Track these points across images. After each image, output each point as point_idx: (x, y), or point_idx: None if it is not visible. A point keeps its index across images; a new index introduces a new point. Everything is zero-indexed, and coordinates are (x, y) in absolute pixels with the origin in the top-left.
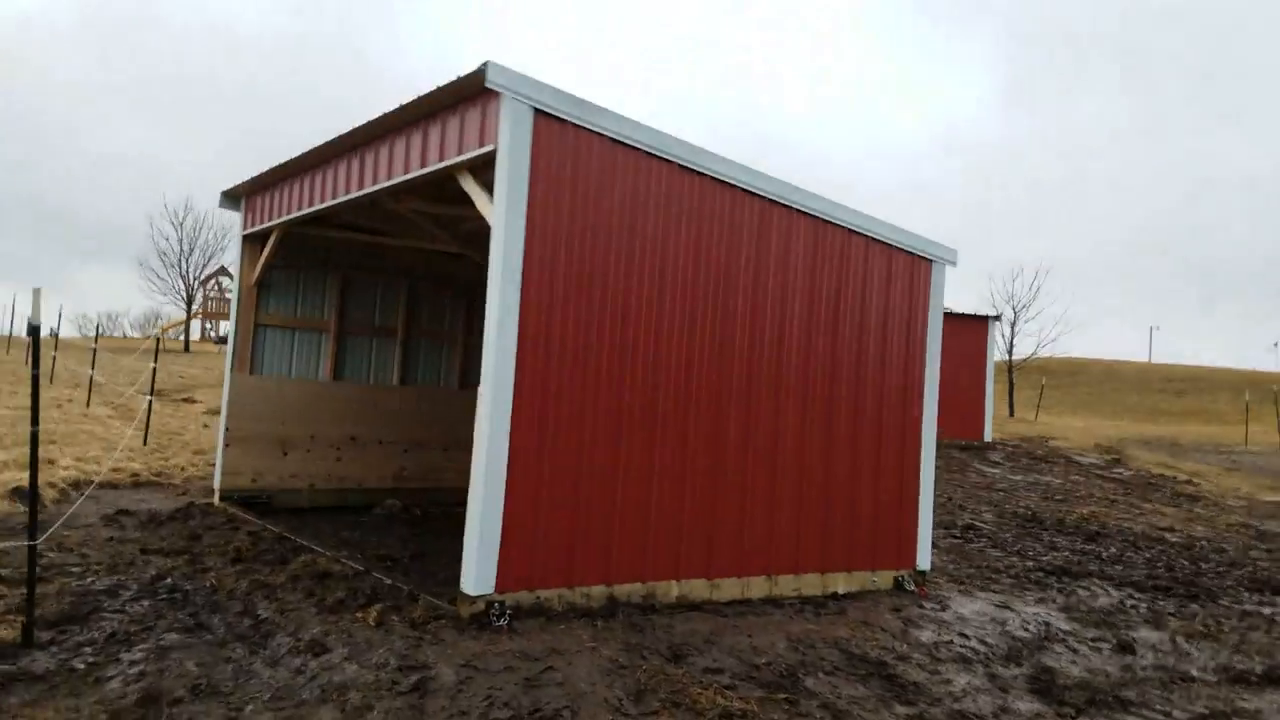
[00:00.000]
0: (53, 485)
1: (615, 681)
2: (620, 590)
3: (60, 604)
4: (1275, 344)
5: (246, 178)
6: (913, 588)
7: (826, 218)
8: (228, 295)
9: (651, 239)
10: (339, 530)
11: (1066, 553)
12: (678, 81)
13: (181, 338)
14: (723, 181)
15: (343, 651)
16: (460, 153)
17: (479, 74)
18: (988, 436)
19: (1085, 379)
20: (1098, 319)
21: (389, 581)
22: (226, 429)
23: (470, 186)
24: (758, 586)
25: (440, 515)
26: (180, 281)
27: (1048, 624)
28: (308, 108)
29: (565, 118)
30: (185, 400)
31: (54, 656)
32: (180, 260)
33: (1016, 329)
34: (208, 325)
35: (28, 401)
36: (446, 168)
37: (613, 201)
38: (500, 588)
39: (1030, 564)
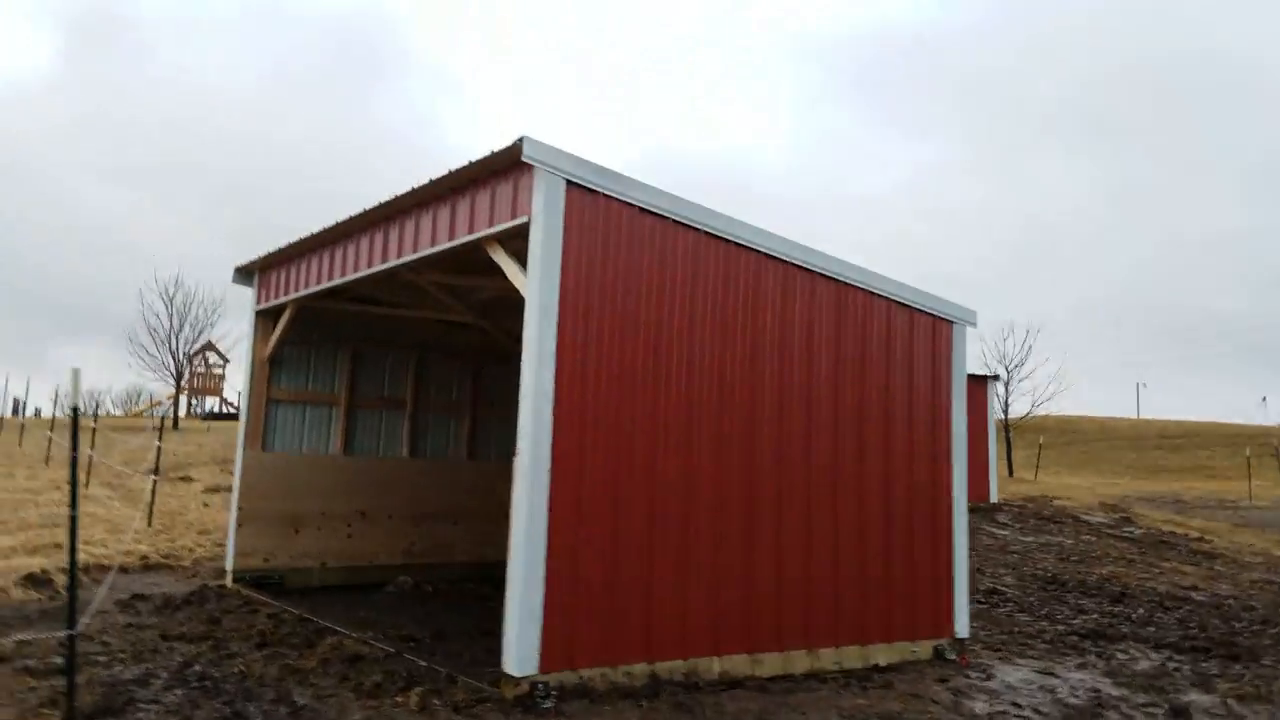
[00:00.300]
0: (63, 571)
1: None
2: (662, 668)
3: (93, 695)
4: (1264, 399)
5: (261, 253)
6: (954, 656)
7: (849, 281)
8: (215, 370)
9: (679, 308)
10: (355, 610)
11: (1096, 615)
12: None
13: (169, 415)
14: (746, 247)
15: None
16: (491, 225)
17: (515, 148)
18: (993, 498)
19: (1080, 437)
20: (1082, 377)
21: (424, 664)
22: (239, 508)
23: (501, 258)
24: (799, 661)
25: (452, 591)
26: (170, 358)
27: (1096, 690)
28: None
29: (595, 188)
30: (182, 479)
31: None
32: (170, 336)
33: (1011, 388)
34: (194, 401)
35: (26, 483)
36: (476, 240)
37: (641, 270)
38: (544, 668)
39: (1061, 628)
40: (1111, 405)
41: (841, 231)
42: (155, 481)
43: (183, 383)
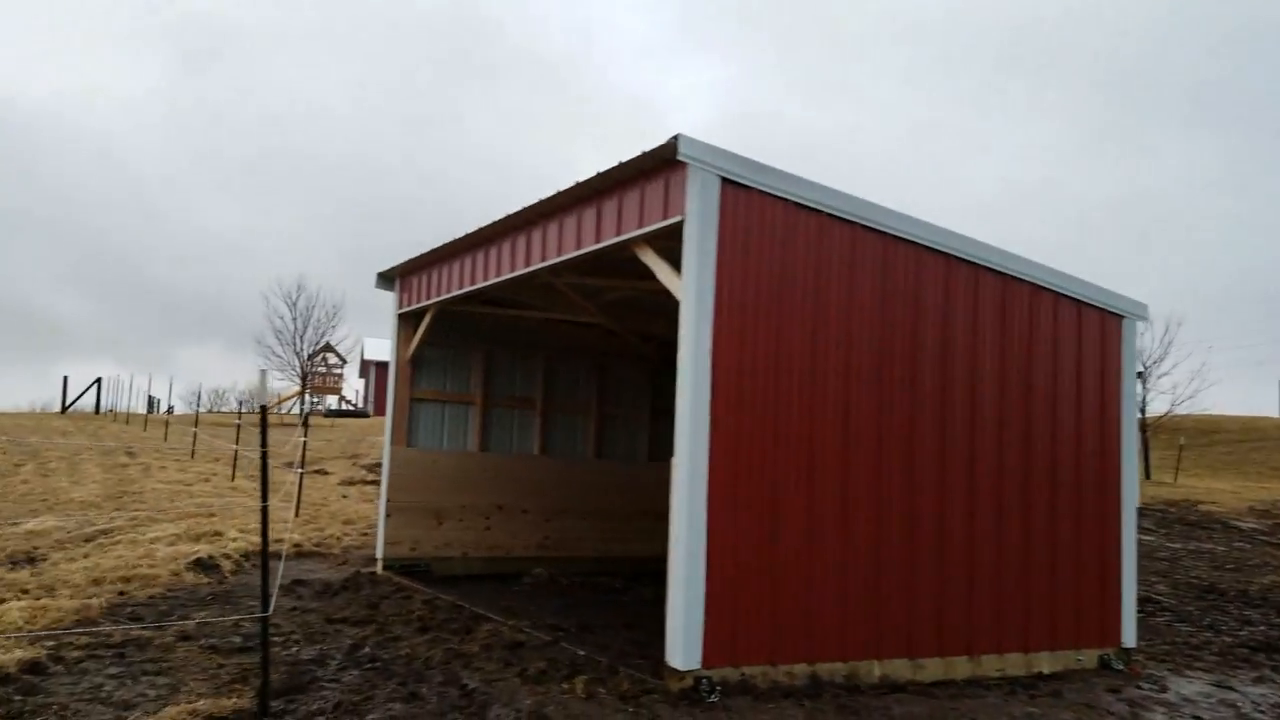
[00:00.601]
0: (228, 557)
1: None
2: (822, 669)
3: (278, 674)
4: None
5: (401, 259)
6: (1121, 666)
7: (1013, 273)
8: (335, 371)
9: (836, 304)
10: (499, 599)
11: (1263, 627)
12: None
13: (311, 409)
14: (904, 239)
15: None
16: (641, 226)
17: (669, 146)
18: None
19: (1222, 438)
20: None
21: (582, 653)
22: (388, 500)
23: (651, 259)
24: (961, 667)
25: (584, 584)
26: (295, 358)
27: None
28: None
29: (749, 184)
30: (318, 472)
31: None
32: (295, 338)
33: (1149, 386)
34: (315, 399)
35: (178, 475)
36: (623, 241)
37: (796, 266)
38: (706, 663)
39: (1228, 639)
40: (1252, 404)
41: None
42: (301, 475)
43: (308, 382)
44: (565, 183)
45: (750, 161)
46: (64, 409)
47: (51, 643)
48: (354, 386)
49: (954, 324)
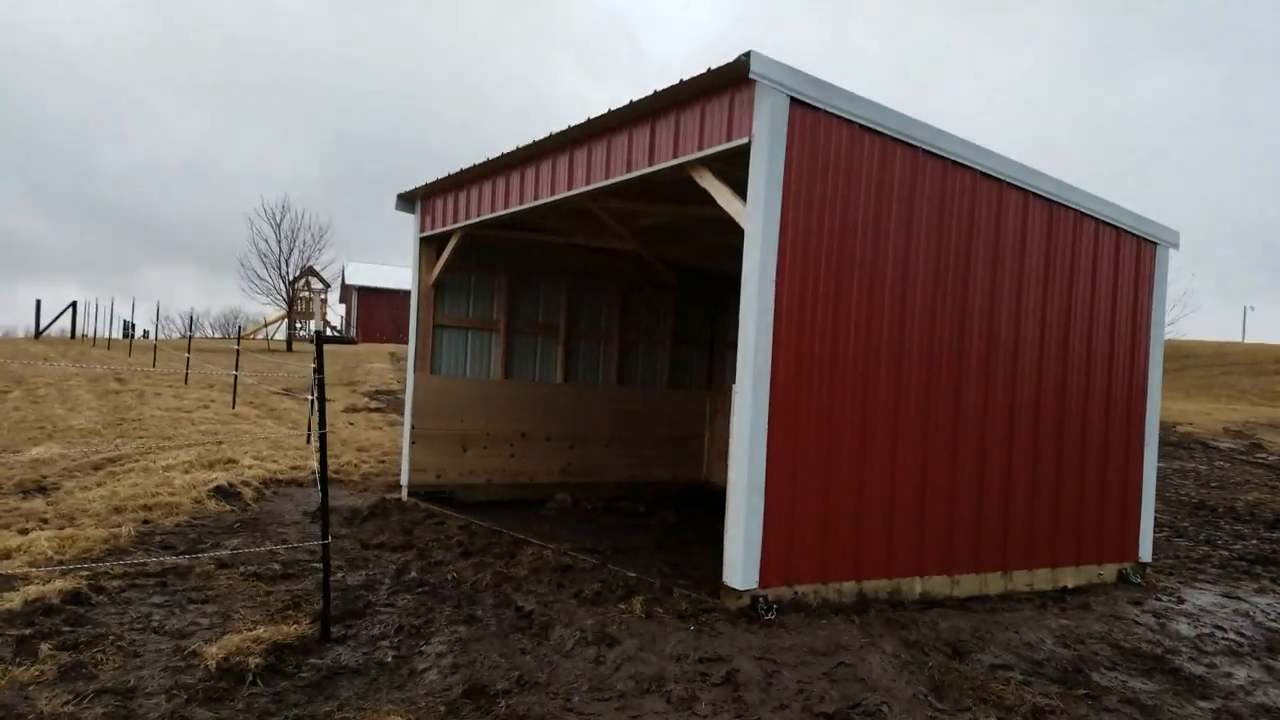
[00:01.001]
0: (247, 484)
1: (910, 677)
2: (869, 586)
3: (334, 601)
4: None
5: (424, 181)
6: (1139, 580)
7: (1058, 199)
8: (320, 296)
9: (895, 232)
10: (529, 524)
11: (1255, 541)
12: None
13: (280, 336)
14: (961, 164)
15: (633, 643)
16: (700, 148)
17: (739, 64)
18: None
19: (1194, 362)
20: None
21: (632, 574)
22: (413, 427)
23: (709, 182)
24: (994, 583)
25: (608, 509)
26: (281, 282)
27: None
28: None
29: (816, 104)
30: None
31: (355, 651)
32: (280, 261)
33: None
34: (298, 325)
35: (175, 402)
36: (679, 164)
37: (859, 191)
38: (763, 583)
39: (1225, 553)
40: (1218, 329)
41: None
42: (313, 402)
43: (304, 307)
44: (559, 103)
45: (819, 81)
46: (38, 334)
47: (86, 572)
48: (338, 313)
49: (1004, 252)
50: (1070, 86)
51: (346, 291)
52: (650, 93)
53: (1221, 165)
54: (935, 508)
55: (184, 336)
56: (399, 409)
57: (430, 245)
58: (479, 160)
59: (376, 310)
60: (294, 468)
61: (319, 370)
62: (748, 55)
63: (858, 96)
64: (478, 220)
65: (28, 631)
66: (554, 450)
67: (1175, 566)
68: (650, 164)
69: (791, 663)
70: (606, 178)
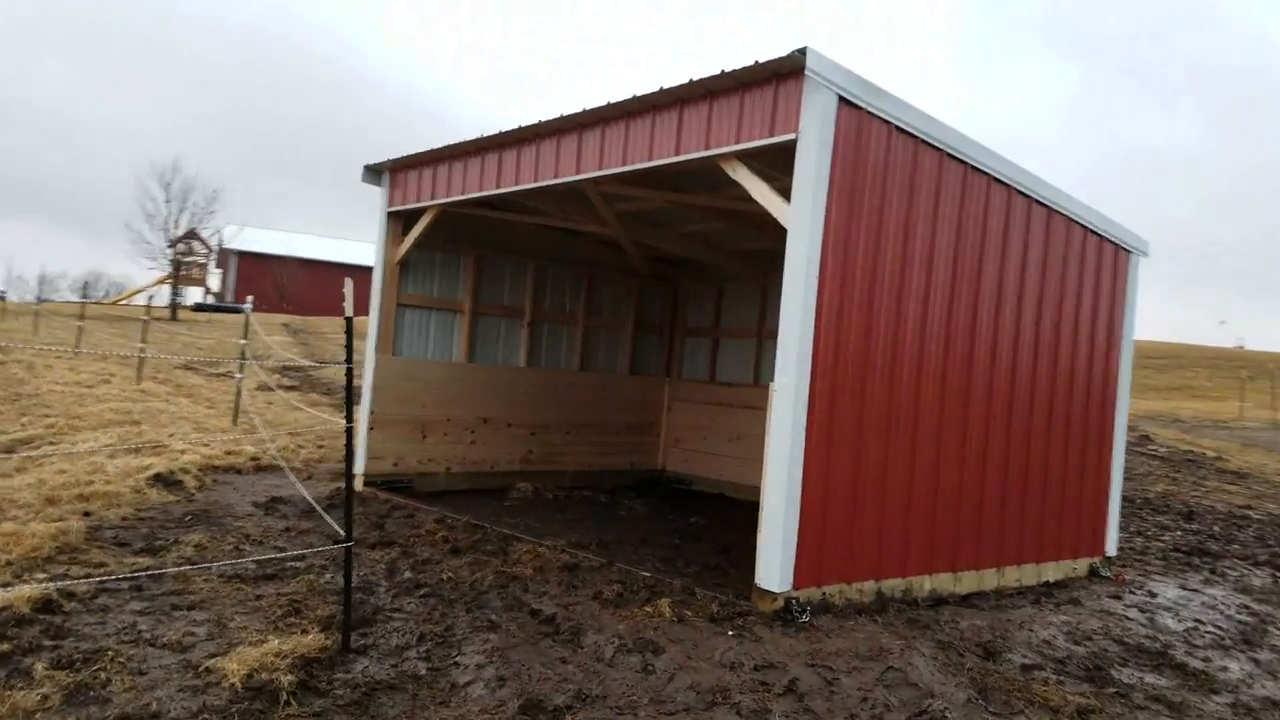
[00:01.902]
0: (186, 471)
1: (955, 680)
2: (886, 585)
3: (328, 606)
4: (1221, 322)
5: (392, 154)
6: (1109, 574)
7: (1054, 205)
8: (200, 261)
9: (921, 234)
10: (500, 516)
11: (1179, 533)
12: None
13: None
14: (978, 169)
15: (678, 650)
16: (738, 141)
17: (793, 58)
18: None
19: None
20: None
21: (647, 574)
22: (371, 412)
23: (744, 176)
24: (989, 579)
25: (572, 499)
26: (169, 246)
27: (1246, 607)
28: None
29: (860, 104)
30: (222, 375)
31: (382, 663)
32: (168, 223)
33: None
34: (177, 291)
35: (72, 375)
36: (711, 156)
37: (893, 194)
38: (796, 584)
39: (1159, 544)
40: None
41: None
42: (240, 380)
43: (182, 271)
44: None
45: (865, 81)
46: None
47: (42, 575)
48: (214, 278)
49: (1010, 257)
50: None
51: (224, 256)
52: (686, 80)
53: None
54: (944, 508)
55: (37, 300)
56: (315, 387)
57: (397, 220)
58: (463, 139)
59: (258, 277)
60: (229, 453)
61: (349, 360)
62: (803, 51)
63: (894, 97)
64: (462, 198)
65: (6, 648)
66: (515, 437)
67: (1124, 559)
68: (677, 153)
69: (844, 669)
70: (624, 163)
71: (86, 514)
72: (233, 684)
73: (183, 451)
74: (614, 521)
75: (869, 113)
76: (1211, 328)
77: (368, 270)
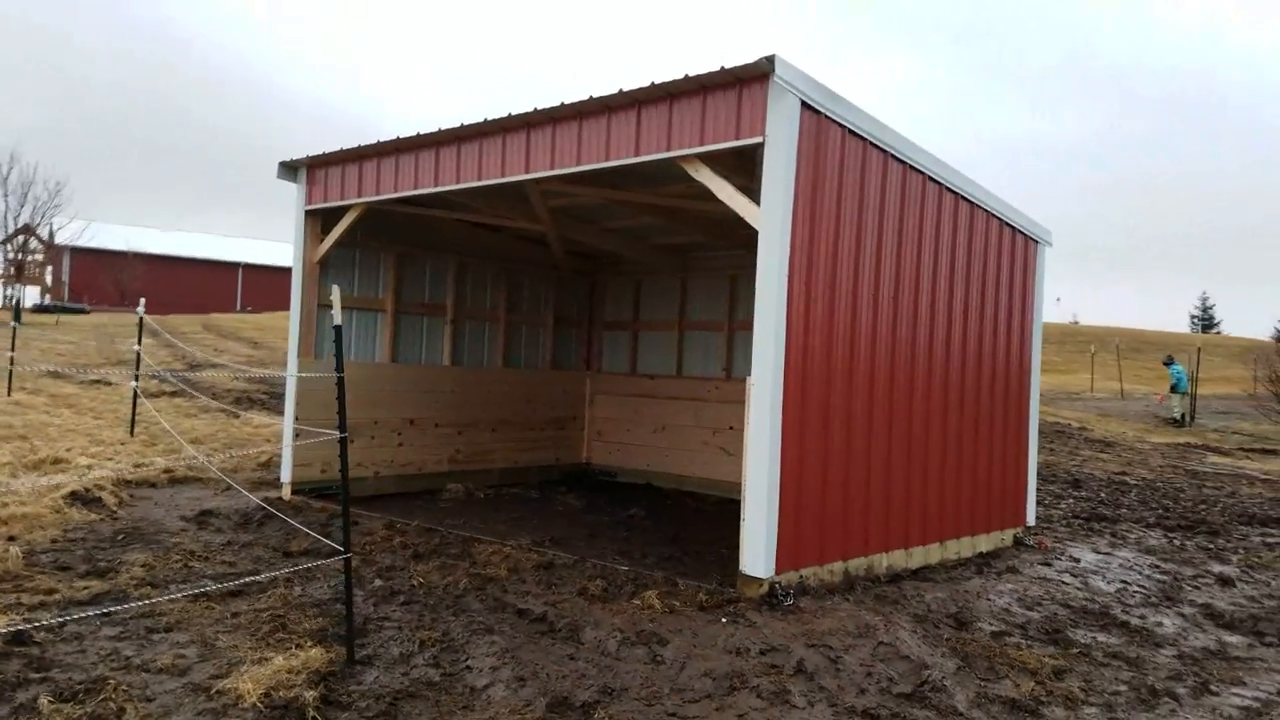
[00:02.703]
0: (100, 488)
1: (939, 650)
2: (851, 565)
3: (314, 618)
4: (1058, 299)
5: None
6: (1031, 543)
7: (976, 201)
8: (35, 256)
9: (871, 233)
10: (441, 517)
11: (1071, 500)
12: None
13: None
14: (916, 169)
15: (682, 640)
16: (702, 143)
17: (760, 64)
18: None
19: None
20: None
21: (625, 568)
22: (296, 418)
23: (706, 176)
24: (934, 553)
25: (505, 497)
26: (2, 243)
27: (1157, 566)
28: None
29: (820, 109)
30: (100, 382)
31: (391, 673)
32: (6, 218)
33: None
34: (9, 291)
35: None
36: (672, 158)
37: (845, 193)
38: (778, 570)
39: (1058, 513)
40: None
41: None
42: (136, 390)
43: (26, 271)
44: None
45: (824, 87)
46: None
47: None
48: (61, 279)
49: (941, 250)
50: None
51: (55, 253)
52: (649, 83)
53: None
54: (897, 489)
55: None
56: (201, 392)
57: (316, 219)
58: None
59: (94, 274)
60: (138, 466)
61: (340, 369)
62: (771, 59)
63: (849, 103)
64: (395, 195)
65: None
66: (442, 437)
67: (1037, 527)
68: (636, 154)
69: (841, 647)
70: (578, 163)
71: (11, 538)
72: (252, 704)
73: (89, 467)
74: (555, 518)
75: (827, 117)
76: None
77: (224, 266)
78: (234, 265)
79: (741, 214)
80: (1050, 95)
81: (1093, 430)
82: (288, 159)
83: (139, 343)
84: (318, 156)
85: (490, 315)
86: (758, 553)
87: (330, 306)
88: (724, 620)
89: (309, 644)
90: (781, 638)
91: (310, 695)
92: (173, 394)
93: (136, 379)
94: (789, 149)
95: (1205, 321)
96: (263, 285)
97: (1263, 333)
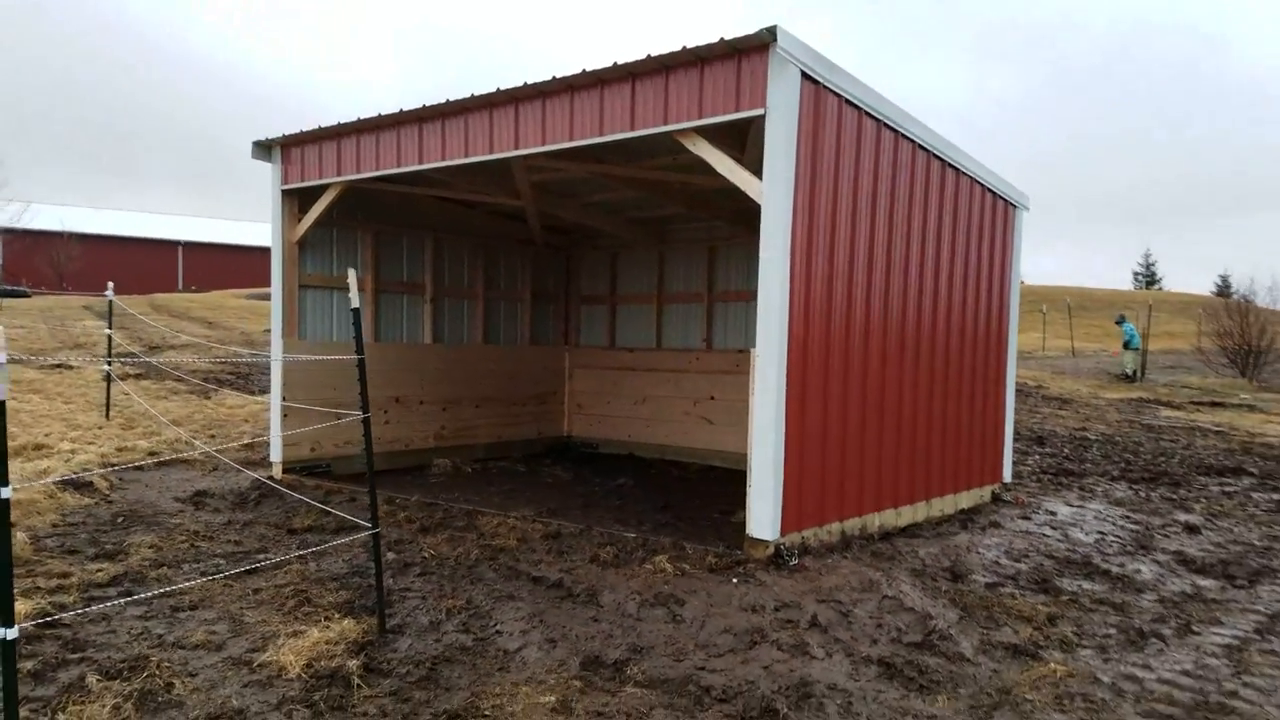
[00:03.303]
0: (90, 472)
1: (940, 602)
2: (847, 525)
3: (336, 592)
4: None
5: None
6: (1009, 498)
7: (961, 167)
8: None
9: (866, 201)
10: (434, 491)
11: (1038, 457)
12: None
13: None
14: (906, 136)
15: (698, 601)
16: (700, 116)
17: (761, 35)
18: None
19: None
20: None
21: (632, 535)
22: (284, 399)
23: (705, 150)
24: (920, 511)
25: (492, 471)
26: None
27: (1128, 517)
28: None
29: (819, 80)
30: (61, 366)
31: (424, 639)
32: None
33: None
34: None
35: None
36: (670, 131)
37: (843, 163)
38: (783, 531)
39: (1027, 469)
40: None
41: None
42: (109, 374)
43: None
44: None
45: (824, 58)
46: None
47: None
48: None
49: (930, 218)
50: None
51: None
52: (645, 56)
53: None
54: (888, 451)
55: None
56: (164, 375)
57: (293, 199)
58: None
59: (28, 257)
60: (121, 449)
61: (360, 351)
62: (773, 30)
63: (846, 73)
64: (379, 173)
65: (34, 665)
66: (427, 414)
67: (1010, 484)
68: (632, 129)
69: (850, 601)
70: (571, 138)
71: (11, 524)
72: (297, 674)
73: (72, 452)
74: (546, 490)
75: (825, 87)
76: None
77: (164, 244)
78: (174, 244)
79: (743, 187)
80: (981, 54)
81: (1049, 388)
82: (262, 139)
83: (109, 326)
84: (293, 135)
85: (469, 292)
86: (764, 516)
87: (310, 287)
88: (734, 581)
89: (337, 616)
90: (792, 595)
91: (353, 664)
92: (139, 376)
93: (109, 362)
94: (790, 120)
95: (1148, 278)
96: (205, 264)
97: (1199, 288)
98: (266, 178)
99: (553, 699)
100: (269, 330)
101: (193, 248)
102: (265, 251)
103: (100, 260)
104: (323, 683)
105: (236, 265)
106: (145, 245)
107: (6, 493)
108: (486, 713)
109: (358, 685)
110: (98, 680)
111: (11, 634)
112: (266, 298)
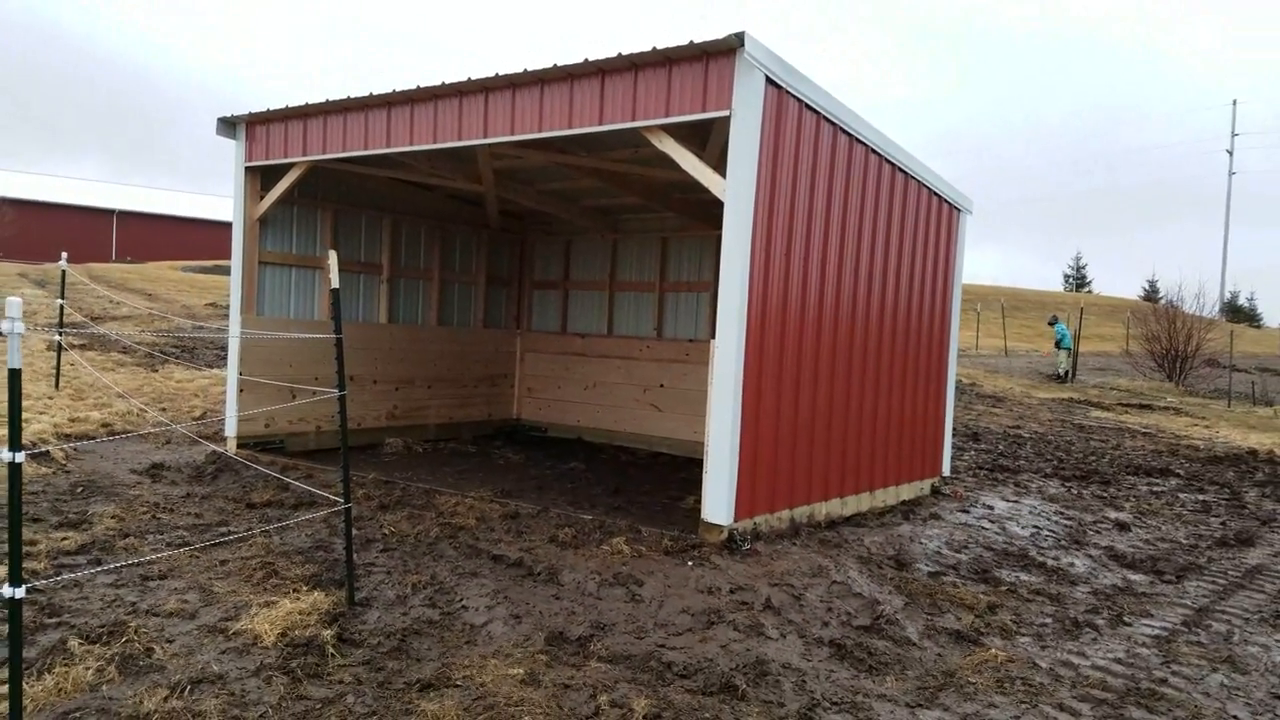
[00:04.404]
0: (46, 442)
1: (886, 589)
2: (796, 512)
3: (303, 565)
4: None
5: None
6: (948, 491)
7: (909, 171)
8: None
9: (822, 202)
10: (390, 470)
11: (974, 452)
12: None
13: None
14: (858, 139)
15: (656, 582)
16: (667, 114)
17: (729, 40)
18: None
19: None
20: None
21: (589, 517)
22: (240, 374)
23: (670, 147)
24: (864, 501)
25: (444, 451)
26: None
27: (1061, 512)
28: None
29: (781, 84)
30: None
31: (392, 612)
32: None
33: None
34: None
35: None
36: (637, 128)
37: (800, 165)
38: (737, 518)
39: (963, 464)
40: None
41: None
42: (60, 345)
43: None
44: None
45: (786, 64)
46: None
47: None
48: None
49: (879, 220)
50: None
51: None
52: (616, 54)
53: None
54: (835, 442)
55: None
56: (109, 345)
57: (255, 176)
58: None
59: None
60: (74, 420)
61: (338, 330)
62: (741, 35)
63: (806, 78)
64: (344, 155)
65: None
66: (380, 394)
67: (949, 478)
68: (600, 123)
69: (801, 586)
70: (539, 130)
71: None
72: (273, 642)
73: (25, 422)
74: (498, 471)
75: (787, 92)
76: None
77: (98, 212)
78: (108, 212)
79: (707, 185)
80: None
81: (983, 386)
82: (227, 115)
83: (63, 295)
84: (259, 113)
85: (424, 274)
86: (719, 502)
87: (270, 264)
88: (690, 564)
89: (305, 589)
90: (746, 578)
91: (327, 634)
92: (83, 347)
93: (60, 333)
94: (754, 122)
95: (1078, 280)
96: (139, 234)
97: (1126, 291)
98: (201, 150)
99: (521, 671)
100: (211, 304)
101: (127, 217)
102: (202, 224)
103: (32, 227)
104: (298, 651)
105: (172, 236)
106: (79, 213)
107: (21, 456)
108: (458, 683)
109: (331, 654)
110: (79, 644)
111: (20, 592)
112: (206, 271)
